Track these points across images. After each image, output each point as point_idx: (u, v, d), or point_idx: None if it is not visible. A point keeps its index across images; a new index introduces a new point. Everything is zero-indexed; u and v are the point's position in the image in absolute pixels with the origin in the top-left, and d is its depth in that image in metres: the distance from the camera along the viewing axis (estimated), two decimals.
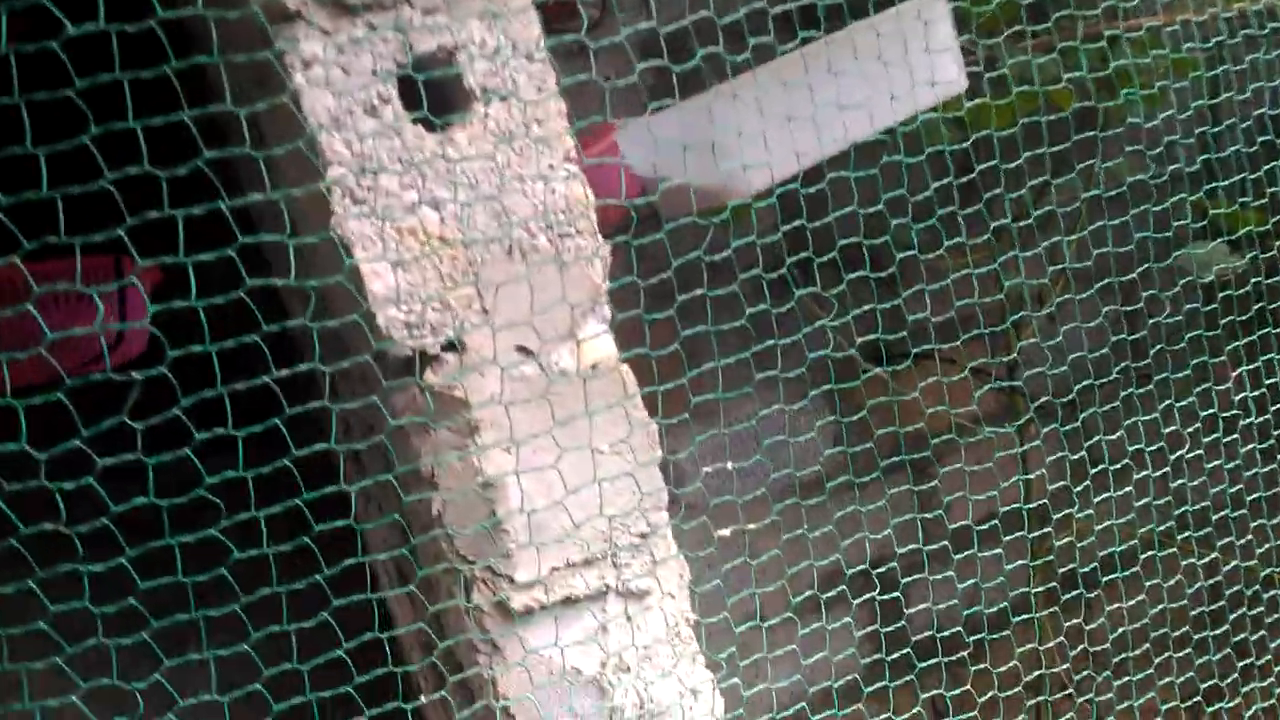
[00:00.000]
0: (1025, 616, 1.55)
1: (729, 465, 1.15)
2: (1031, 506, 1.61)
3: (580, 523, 0.88)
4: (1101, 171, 1.52)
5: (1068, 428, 1.64)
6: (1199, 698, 1.59)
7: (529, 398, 0.87)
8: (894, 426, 1.40)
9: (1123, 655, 1.50)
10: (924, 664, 1.30)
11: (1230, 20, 1.41)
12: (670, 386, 0.95)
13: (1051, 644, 1.57)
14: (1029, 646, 1.45)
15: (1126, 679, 1.47)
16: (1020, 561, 1.56)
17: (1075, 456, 1.65)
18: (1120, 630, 1.50)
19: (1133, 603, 1.50)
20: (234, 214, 0.79)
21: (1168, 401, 1.48)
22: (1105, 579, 1.57)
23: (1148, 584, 1.50)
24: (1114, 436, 1.51)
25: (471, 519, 0.87)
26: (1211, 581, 1.56)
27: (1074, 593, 1.52)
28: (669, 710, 0.92)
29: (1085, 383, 1.49)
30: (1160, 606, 1.54)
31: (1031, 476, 1.61)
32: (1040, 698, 1.52)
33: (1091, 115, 1.41)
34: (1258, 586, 1.61)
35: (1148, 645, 1.50)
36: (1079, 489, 1.56)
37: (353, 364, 0.88)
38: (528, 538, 0.87)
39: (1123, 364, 1.59)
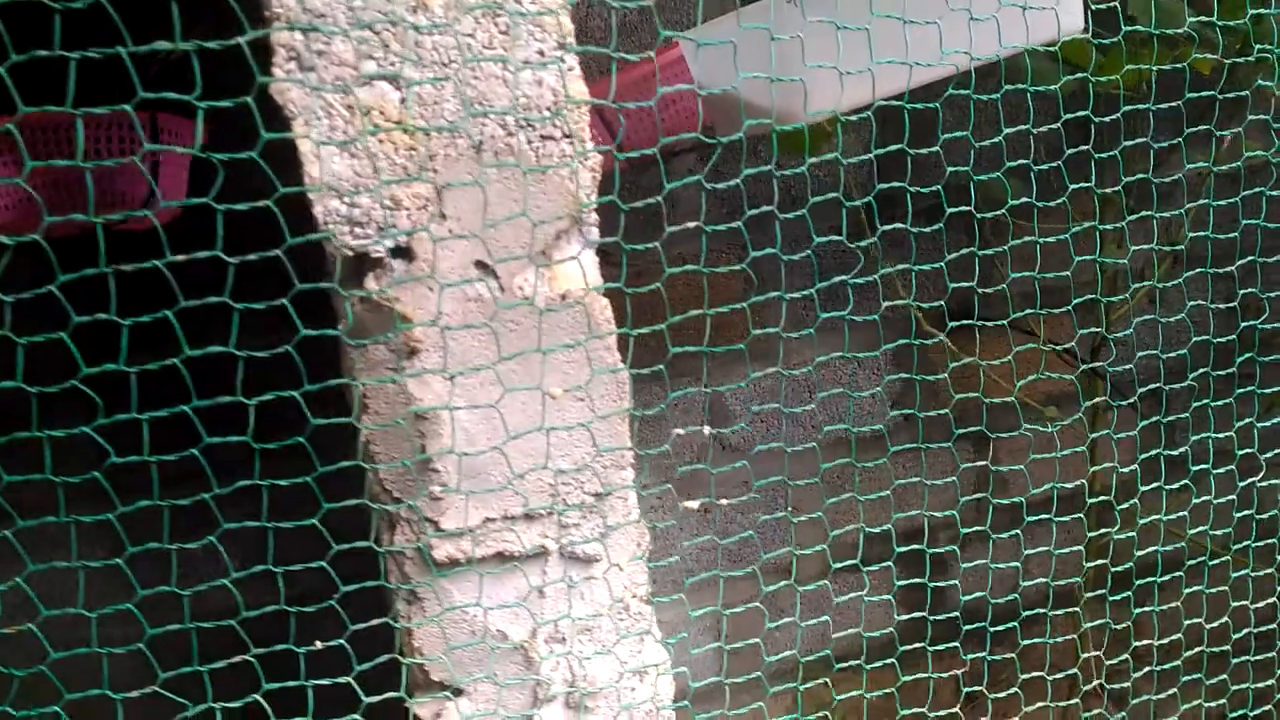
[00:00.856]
0: (1066, 610, 1.41)
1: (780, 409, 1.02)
2: (1095, 500, 1.45)
3: (524, 472, 0.77)
4: (1227, 143, 1.31)
5: (1148, 420, 1.47)
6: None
7: (481, 322, 0.75)
8: (956, 394, 1.27)
9: (1167, 664, 1.36)
10: (949, 644, 1.19)
11: None
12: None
13: (1089, 640, 1.44)
14: (1068, 637, 1.33)
15: (1170, 688, 1.33)
16: (1072, 548, 1.42)
17: (1150, 454, 1.49)
18: (1166, 637, 1.35)
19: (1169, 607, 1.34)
20: None
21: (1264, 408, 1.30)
22: (1159, 579, 1.42)
23: (1200, 591, 1.34)
24: (1199, 436, 1.33)
25: (399, 452, 0.76)
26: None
27: (1123, 594, 1.37)
28: (604, 691, 0.82)
29: (1179, 374, 1.32)
30: (1211, 618, 1.38)
31: (1095, 468, 1.44)
32: (1072, 695, 1.40)
33: (1218, 76, 1.21)
34: None
35: (1190, 654, 1.36)
36: (1148, 488, 1.40)
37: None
38: (458, 481, 0.75)
39: (1222, 359, 1.40)
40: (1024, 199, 1.14)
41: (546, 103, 0.75)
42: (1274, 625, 1.41)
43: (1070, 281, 1.26)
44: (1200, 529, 1.39)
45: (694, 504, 0.87)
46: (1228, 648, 1.37)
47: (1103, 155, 1.16)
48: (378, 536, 0.78)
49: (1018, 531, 1.29)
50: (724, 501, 1.05)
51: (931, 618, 1.27)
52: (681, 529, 1.22)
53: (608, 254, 1.32)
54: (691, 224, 0.87)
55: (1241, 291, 1.34)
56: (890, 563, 1.40)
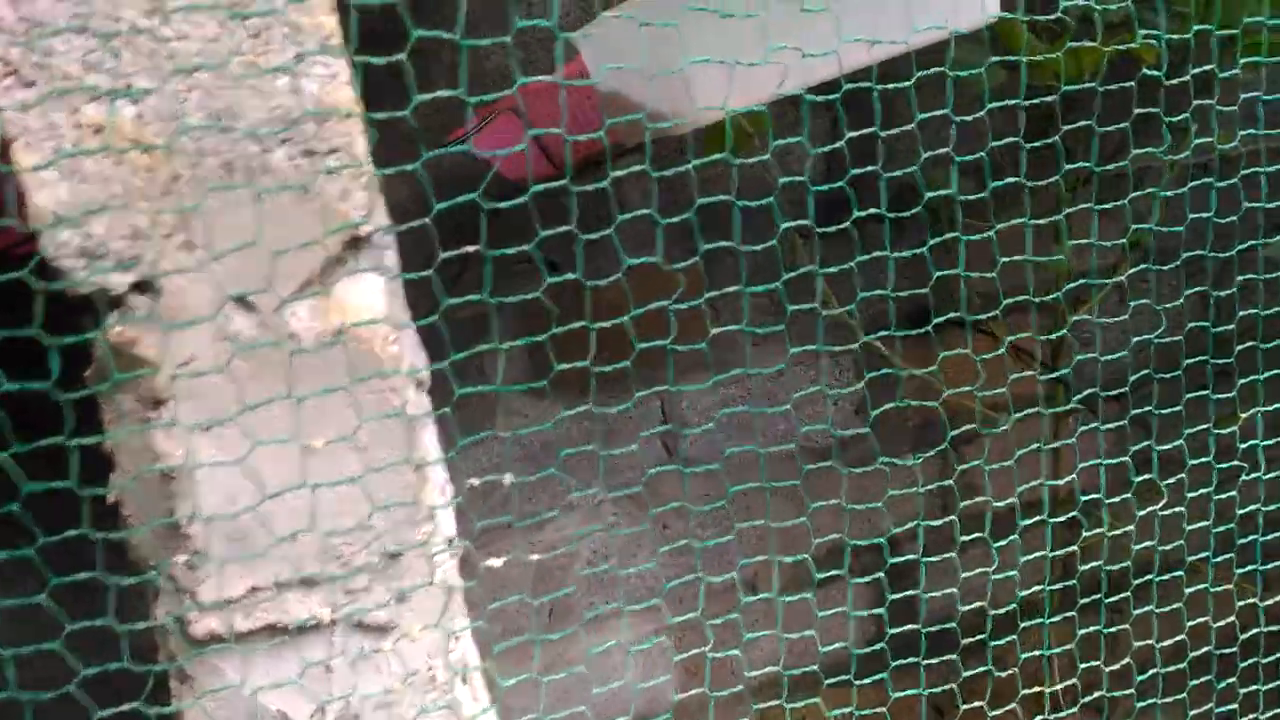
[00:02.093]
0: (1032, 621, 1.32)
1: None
2: (1057, 512, 1.35)
3: (297, 533, 0.68)
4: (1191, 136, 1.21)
5: (1113, 425, 1.37)
6: None
7: (243, 363, 0.66)
8: (916, 401, 1.20)
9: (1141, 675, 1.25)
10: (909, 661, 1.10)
11: None
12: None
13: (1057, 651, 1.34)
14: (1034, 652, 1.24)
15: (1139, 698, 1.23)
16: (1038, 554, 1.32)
17: (1116, 460, 1.39)
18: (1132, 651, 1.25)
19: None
20: None
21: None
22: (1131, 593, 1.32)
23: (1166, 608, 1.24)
24: (1170, 443, 1.24)
25: (150, 514, 0.67)
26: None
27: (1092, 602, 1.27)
28: None
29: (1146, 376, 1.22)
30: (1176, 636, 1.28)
31: (1060, 482, 1.34)
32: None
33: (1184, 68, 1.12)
34: None
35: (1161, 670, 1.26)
36: (1115, 498, 1.30)
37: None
38: (217, 546, 0.66)
39: (1193, 359, 1.30)
40: (979, 194, 1.06)
41: (308, 112, 0.66)
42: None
43: (1029, 282, 1.18)
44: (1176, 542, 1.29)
45: (497, 562, 0.77)
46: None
47: (1039, 145, 1.07)
48: (146, 609, 0.70)
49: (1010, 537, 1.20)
50: (534, 556, 0.96)
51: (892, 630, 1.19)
52: (501, 587, 1.13)
53: (555, 265, 1.24)
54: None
55: (1214, 294, 1.25)
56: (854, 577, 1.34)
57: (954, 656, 1.16)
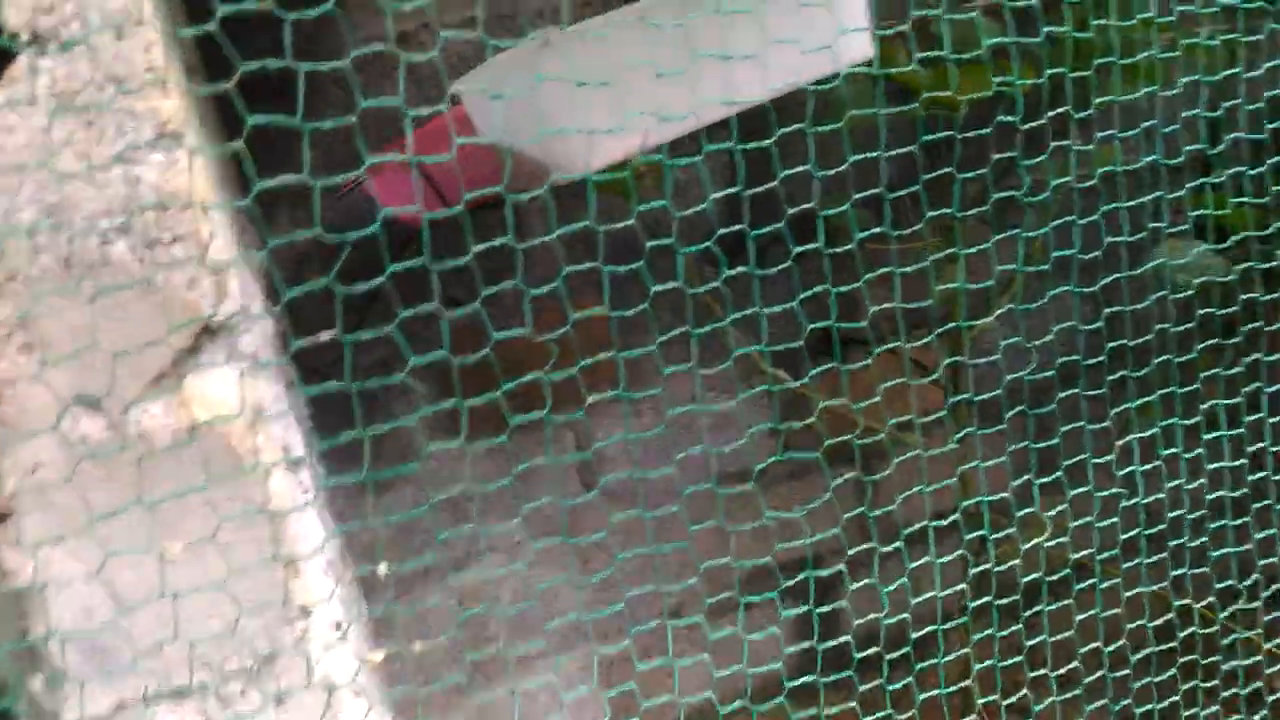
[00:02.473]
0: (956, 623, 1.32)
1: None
2: (967, 519, 1.36)
3: (161, 643, 0.64)
4: (1073, 157, 1.22)
5: (1017, 436, 1.38)
6: None
7: (92, 468, 0.63)
8: (830, 428, 1.19)
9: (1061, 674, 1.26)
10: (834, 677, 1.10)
11: None
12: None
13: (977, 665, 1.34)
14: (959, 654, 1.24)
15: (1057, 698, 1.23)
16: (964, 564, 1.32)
17: (1020, 467, 1.40)
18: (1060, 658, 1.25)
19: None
20: None
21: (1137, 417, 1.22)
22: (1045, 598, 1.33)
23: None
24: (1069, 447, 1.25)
25: (7, 634, 0.63)
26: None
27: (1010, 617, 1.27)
28: None
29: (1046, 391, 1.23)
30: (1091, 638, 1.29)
31: (970, 500, 1.34)
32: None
33: (1075, 92, 1.12)
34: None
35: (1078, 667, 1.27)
36: (1022, 503, 1.31)
37: None
38: (77, 663, 0.63)
39: (1088, 369, 1.31)
40: (876, 227, 1.06)
41: (148, 203, 0.63)
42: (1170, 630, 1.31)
43: (932, 305, 1.19)
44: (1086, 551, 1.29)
45: (377, 655, 0.75)
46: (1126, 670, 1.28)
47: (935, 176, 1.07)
48: None
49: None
50: (417, 645, 0.94)
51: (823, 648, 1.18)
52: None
53: (457, 300, 1.21)
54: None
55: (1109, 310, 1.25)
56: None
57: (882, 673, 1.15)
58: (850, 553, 1.26)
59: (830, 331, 1.27)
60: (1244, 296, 1.11)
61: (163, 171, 0.63)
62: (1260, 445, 1.27)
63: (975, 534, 1.31)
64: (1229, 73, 1.11)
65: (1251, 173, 1.11)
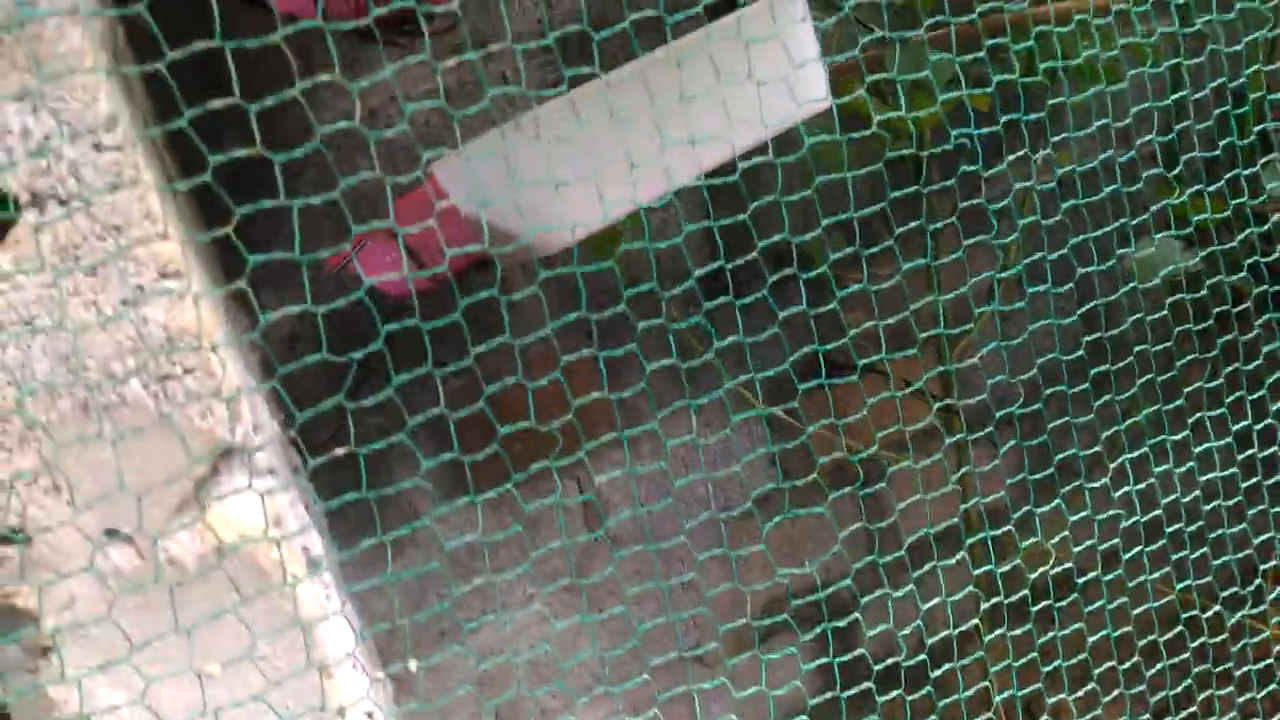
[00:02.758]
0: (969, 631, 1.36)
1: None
2: (973, 530, 1.39)
3: None
4: (1037, 163, 1.25)
5: (1012, 443, 1.41)
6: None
7: (127, 598, 0.66)
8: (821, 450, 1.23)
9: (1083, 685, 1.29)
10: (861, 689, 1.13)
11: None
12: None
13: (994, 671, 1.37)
14: (971, 659, 1.27)
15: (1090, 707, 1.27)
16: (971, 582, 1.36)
17: (1019, 476, 1.43)
18: (1074, 657, 1.28)
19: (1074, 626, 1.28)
20: None
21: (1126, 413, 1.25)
22: (1057, 601, 1.36)
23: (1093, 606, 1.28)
24: (1066, 451, 1.29)
25: None
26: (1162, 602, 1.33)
27: (1024, 624, 1.30)
28: None
29: (1035, 396, 1.27)
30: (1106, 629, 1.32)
31: (969, 504, 1.38)
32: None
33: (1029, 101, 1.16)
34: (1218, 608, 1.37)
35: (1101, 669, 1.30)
36: (1024, 509, 1.35)
37: None
38: None
39: (1075, 373, 1.35)
40: (851, 249, 1.09)
41: (157, 341, 0.66)
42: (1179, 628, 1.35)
43: (911, 321, 1.22)
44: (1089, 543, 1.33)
45: None
46: (1138, 659, 1.31)
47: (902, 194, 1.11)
48: None
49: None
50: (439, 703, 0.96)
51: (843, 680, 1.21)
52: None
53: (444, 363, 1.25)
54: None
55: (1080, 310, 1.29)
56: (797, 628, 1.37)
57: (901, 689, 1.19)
58: (856, 566, 1.29)
59: (817, 356, 1.31)
60: (1210, 281, 1.15)
61: (169, 310, 0.66)
62: (1245, 424, 1.30)
63: (977, 538, 1.35)
64: (1172, 62, 1.15)
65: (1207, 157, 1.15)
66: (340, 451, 0.69)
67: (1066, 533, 1.30)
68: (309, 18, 0.69)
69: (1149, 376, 1.23)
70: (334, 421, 1.07)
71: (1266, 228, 1.22)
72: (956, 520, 1.39)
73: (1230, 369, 1.27)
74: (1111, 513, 1.31)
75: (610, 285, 1.20)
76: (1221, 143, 1.15)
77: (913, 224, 1.18)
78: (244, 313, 0.90)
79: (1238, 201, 1.16)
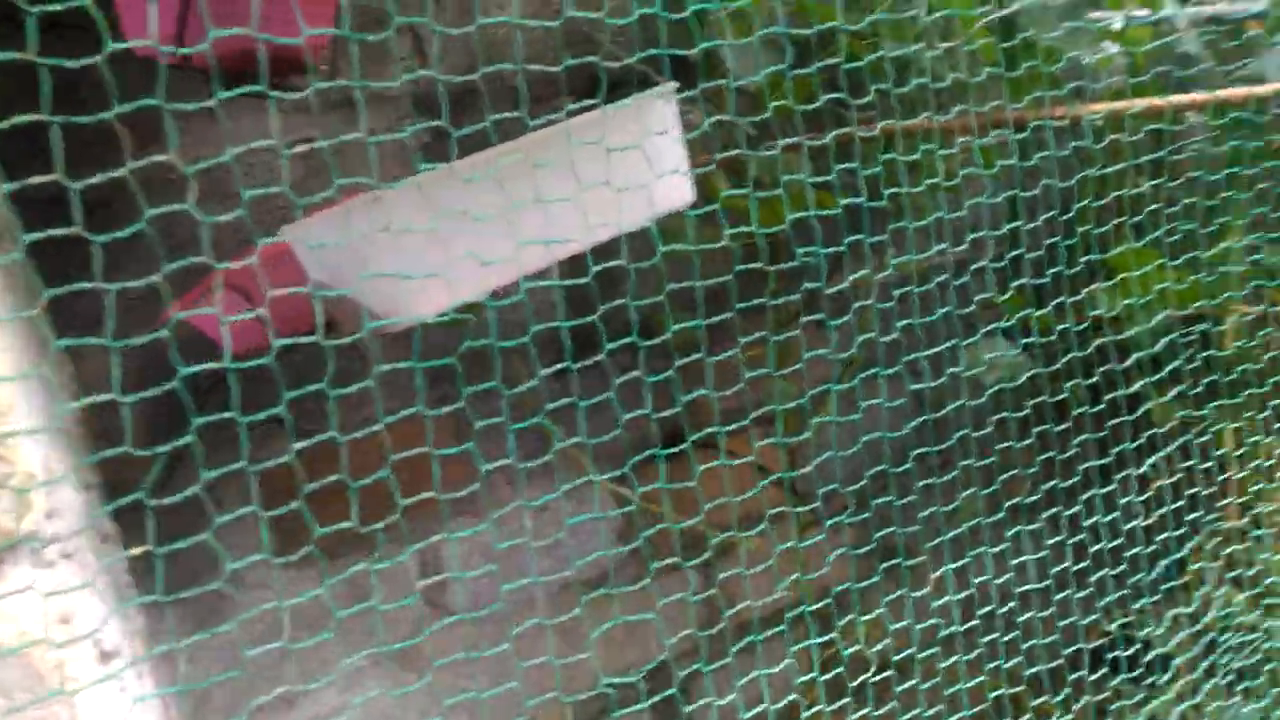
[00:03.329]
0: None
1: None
2: (814, 608, 1.41)
3: None
4: (890, 261, 1.29)
5: (855, 520, 1.44)
6: None
7: None
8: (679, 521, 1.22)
9: None
10: None
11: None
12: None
13: None
14: None
15: None
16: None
17: (862, 550, 1.46)
18: None
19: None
20: None
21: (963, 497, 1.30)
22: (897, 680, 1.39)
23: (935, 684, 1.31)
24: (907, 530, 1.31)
25: None
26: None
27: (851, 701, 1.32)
28: None
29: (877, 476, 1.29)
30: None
31: (812, 576, 1.40)
32: None
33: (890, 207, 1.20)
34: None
35: None
36: (865, 585, 1.37)
37: None
38: None
39: (915, 458, 1.38)
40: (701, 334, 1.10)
41: None
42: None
43: (752, 399, 1.23)
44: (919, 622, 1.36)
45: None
46: None
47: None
48: None
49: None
50: None
51: None
52: None
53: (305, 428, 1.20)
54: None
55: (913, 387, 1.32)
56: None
57: None
58: (696, 633, 1.29)
59: (675, 431, 1.31)
60: (1032, 376, 1.20)
61: None
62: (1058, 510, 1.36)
63: (796, 613, 1.37)
64: (1009, 194, 1.21)
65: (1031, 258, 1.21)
66: (138, 551, 0.65)
67: (881, 610, 1.33)
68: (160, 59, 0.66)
69: (969, 462, 1.27)
70: (165, 462, 1.02)
71: (1084, 325, 1.29)
72: (785, 594, 1.41)
73: (1045, 456, 1.33)
74: (925, 592, 1.35)
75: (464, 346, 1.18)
76: (1050, 271, 1.22)
77: (758, 301, 1.21)
78: (64, 386, 0.85)
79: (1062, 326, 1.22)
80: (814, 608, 1.42)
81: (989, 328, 1.26)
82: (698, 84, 1.08)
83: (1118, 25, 1.41)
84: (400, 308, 0.88)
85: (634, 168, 0.94)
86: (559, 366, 1.16)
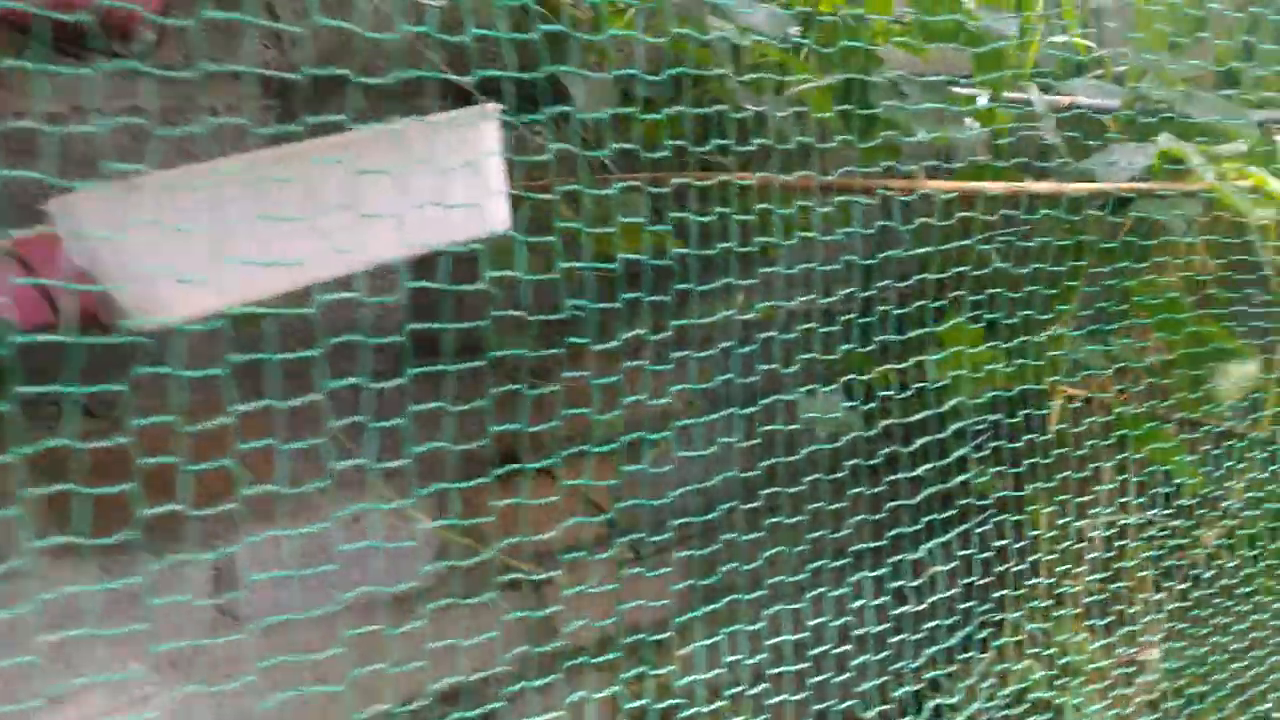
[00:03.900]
0: None
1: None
2: (627, 642, 1.40)
3: None
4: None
5: (677, 556, 1.44)
6: None
7: None
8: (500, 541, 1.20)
9: None
10: None
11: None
12: None
13: None
14: None
15: None
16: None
17: (679, 587, 1.46)
18: None
19: None
20: None
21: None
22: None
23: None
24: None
25: None
26: None
27: None
28: None
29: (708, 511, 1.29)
30: None
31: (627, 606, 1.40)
32: None
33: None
34: None
35: None
36: (681, 622, 1.36)
37: None
38: None
39: (739, 498, 1.39)
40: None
41: None
42: None
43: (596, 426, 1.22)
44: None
45: None
46: None
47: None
48: None
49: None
50: None
51: None
52: None
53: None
54: None
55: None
56: None
57: None
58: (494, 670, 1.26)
59: (509, 450, 1.29)
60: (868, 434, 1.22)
61: None
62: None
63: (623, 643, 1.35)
64: (846, 230, 1.23)
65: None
66: None
67: (706, 642, 1.33)
68: None
69: (780, 519, 1.29)
70: None
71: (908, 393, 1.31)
72: (611, 630, 1.40)
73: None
74: (758, 627, 1.35)
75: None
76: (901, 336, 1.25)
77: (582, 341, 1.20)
78: None
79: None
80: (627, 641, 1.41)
81: (810, 388, 1.28)
82: (541, 110, 1.07)
83: (982, 102, 1.45)
84: (158, 306, 0.83)
85: (452, 185, 0.93)
86: (353, 381, 1.13)
